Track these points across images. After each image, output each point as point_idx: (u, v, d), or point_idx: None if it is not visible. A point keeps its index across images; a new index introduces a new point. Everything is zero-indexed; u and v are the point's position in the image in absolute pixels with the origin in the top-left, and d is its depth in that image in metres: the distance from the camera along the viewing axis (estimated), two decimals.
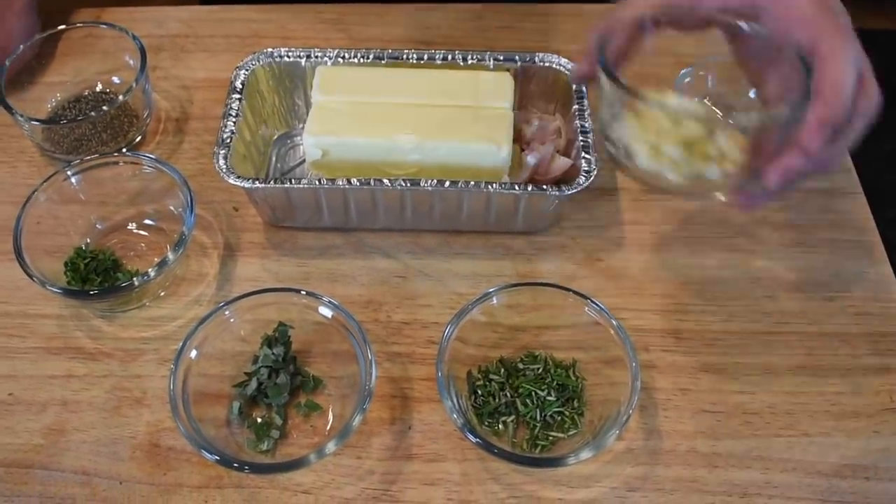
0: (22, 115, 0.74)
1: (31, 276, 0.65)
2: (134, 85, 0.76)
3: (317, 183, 0.68)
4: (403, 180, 0.68)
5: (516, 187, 0.68)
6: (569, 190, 0.67)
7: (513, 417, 0.63)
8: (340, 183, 0.68)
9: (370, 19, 0.91)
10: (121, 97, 0.76)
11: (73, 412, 0.65)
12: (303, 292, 0.64)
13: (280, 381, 0.64)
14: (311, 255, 0.73)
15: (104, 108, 0.76)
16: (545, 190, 0.68)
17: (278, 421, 0.63)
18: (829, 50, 0.54)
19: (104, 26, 0.82)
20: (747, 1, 0.57)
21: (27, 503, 0.61)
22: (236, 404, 0.63)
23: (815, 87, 0.54)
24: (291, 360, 0.65)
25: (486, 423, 0.63)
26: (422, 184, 0.67)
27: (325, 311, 0.64)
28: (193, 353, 0.62)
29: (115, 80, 0.83)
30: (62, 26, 0.82)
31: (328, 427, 0.64)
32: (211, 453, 0.57)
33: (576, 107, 0.73)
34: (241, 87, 0.74)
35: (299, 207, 0.71)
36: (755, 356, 0.67)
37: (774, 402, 0.65)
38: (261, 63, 0.76)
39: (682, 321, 0.69)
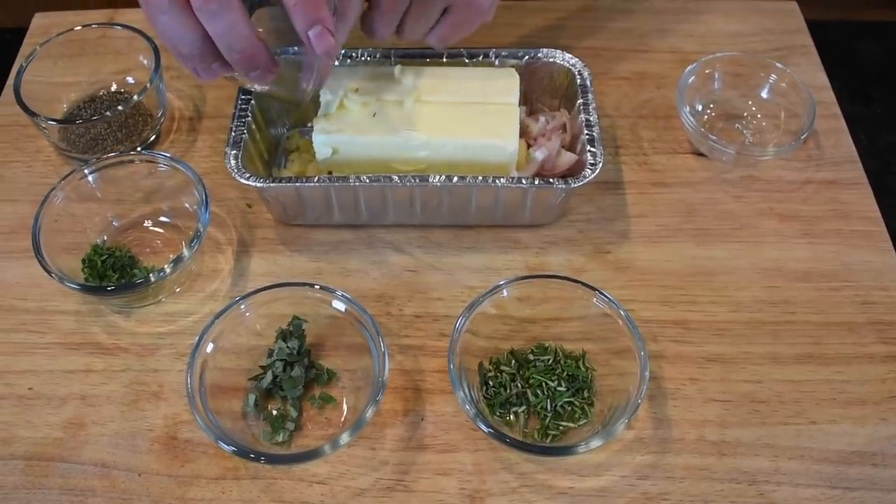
0: (39, 116, 0.76)
1: (49, 273, 0.67)
2: (148, 85, 0.77)
3: (327, 180, 0.69)
4: (412, 176, 0.69)
5: (523, 181, 0.69)
6: (575, 182, 0.68)
7: (524, 408, 0.64)
8: (350, 180, 0.69)
9: None
10: (135, 97, 0.77)
11: (91, 406, 0.66)
12: (316, 286, 0.65)
13: (295, 373, 0.65)
14: (324, 250, 0.74)
15: (119, 107, 0.78)
16: (552, 183, 0.69)
17: (293, 413, 0.64)
18: None
19: (118, 27, 0.83)
20: None
21: (48, 495, 0.62)
22: (252, 397, 0.65)
23: None
24: (306, 354, 0.66)
25: (498, 414, 0.64)
26: (430, 179, 0.68)
27: (339, 305, 0.65)
28: (210, 348, 0.63)
29: (130, 80, 0.85)
30: (77, 27, 0.83)
31: (342, 419, 0.65)
32: (228, 445, 0.58)
33: (580, 101, 0.74)
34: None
35: (310, 205, 0.72)
36: (763, 346, 0.68)
37: (782, 391, 0.66)
38: None
39: (690, 312, 0.70)
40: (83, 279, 0.71)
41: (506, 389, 0.65)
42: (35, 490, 0.62)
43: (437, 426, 0.64)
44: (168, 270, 0.67)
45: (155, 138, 0.82)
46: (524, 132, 0.75)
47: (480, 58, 0.77)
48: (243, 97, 0.74)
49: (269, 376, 0.65)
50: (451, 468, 0.63)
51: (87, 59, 0.84)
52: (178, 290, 0.72)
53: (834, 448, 0.63)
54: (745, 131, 0.82)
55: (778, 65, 0.81)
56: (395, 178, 0.68)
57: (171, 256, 0.70)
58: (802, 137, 0.76)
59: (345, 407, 0.65)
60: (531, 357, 0.66)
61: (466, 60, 0.77)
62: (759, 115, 0.82)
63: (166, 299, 0.72)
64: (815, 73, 0.86)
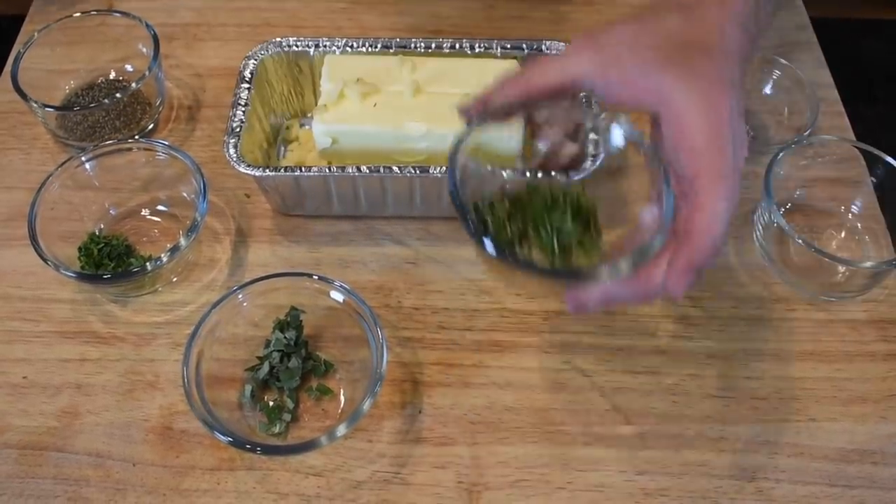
0: (36, 102, 0.75)
1: (45, 261, 0.66)
2: (147, 73, 0.77)
3: (326, 171, 0.69)
4: (413, 167, 0.68)
5: (527, 174, 0.68)
6: (577, 175, 0.68)
7: (527, 248, 0.56)
8: (350, 170, 0.68)
9: (382, 8, 0.91)
10: (133, 85, 0.77)
11: (86, 395, 0.65)
12: (315, 277, 0.65)
13: (292, 364, 0.64)
14: (323, 241, 0.74)
15: (117, 95, 0.77)
16: (553, 176, 0.68)
17: (290, 404, 0.64)
18: (708, 194, 0.50)
19: (117, 14, 0.82)
20: (654, 106, 0.53)
21: (41, 485, 0.61)
22: (248, 388, 0.64)
23: (687, 227, 0.50)
24: (303, 345, 0.66)
25: None
26: (430, 171, 0.68)
27: (337, 296, 0.65)
28: (206, 337, 0.63)
29: (128, 67, 0.84)
30: (76, 14, 0.82)
31: (339, 410, 0.64)
32: (224, 435, 0.58)
33: (584, 93, 0.73)
34: (249, 76, 0.74)
35: (309, 195, 0.72)
36: (763, 342, 0.68)
37: (782, 388, 0.65)
38: (269, 52, 0.76)
39: (692, 307, 0.70)
40: (79, 267, 0.70)
41: (506, 230, 0.57)
42: (28, 479, 0.62)
43: (435, 419, 0.64)
44: (165, 259, 0.67)
45: (153, 127, 0.81)
46: (527, 123, 0.74)
47: (483, 49, 0.76)
48: (242, 86, 0.73)
49: (265, 367, 0.64)
50: (448, 461, 0.62)
51: (86, 47, 0.83)
52: (174, 279, 0.72)
53: (834, 446, 0.63)
54: (747, 127, 0.81)
55: (782, 61, 0.80)
56: (395, 168, 0.68)
57: (169, 245, 0.69)
58: (805, 134, 0.75)
59: (342, 398, 0.65)
60: (525, 197, 0.59)
61: (469, 52, 0.76)
62: (761, 112, 0.82)
63: (163, 289, 0.71)
64: (819, 70, 0.86)
